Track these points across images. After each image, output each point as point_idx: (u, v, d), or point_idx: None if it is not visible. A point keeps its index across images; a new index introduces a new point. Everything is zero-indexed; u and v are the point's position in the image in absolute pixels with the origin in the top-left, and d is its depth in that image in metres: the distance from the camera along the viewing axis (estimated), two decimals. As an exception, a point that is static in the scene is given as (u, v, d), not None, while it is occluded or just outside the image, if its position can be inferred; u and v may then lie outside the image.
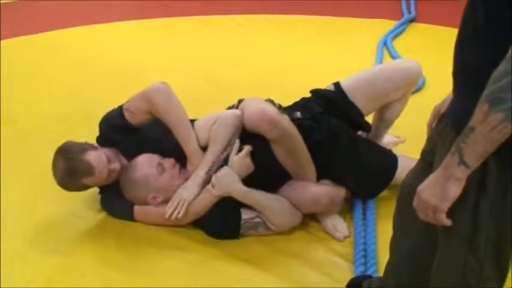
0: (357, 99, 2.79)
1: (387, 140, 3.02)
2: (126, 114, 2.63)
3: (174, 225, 2.59)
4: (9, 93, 3.87)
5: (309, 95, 2.88)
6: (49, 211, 2.77)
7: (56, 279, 2.39)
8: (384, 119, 2.92)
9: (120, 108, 2.66)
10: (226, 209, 2.54)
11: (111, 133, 2.67)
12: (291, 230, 2.60)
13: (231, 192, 2.50)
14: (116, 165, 2.58)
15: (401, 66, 2.90)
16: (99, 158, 2.54)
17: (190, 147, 2.57)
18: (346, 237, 2.57)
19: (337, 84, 2.84)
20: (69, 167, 2.53)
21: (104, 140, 2.70)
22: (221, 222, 2.55)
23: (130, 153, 2.64)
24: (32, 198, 2.87)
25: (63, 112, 3.67)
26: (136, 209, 2.64)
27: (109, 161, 2.56)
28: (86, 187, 2.63)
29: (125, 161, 2.63)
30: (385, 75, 2.83)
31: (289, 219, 2.58)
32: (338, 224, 2.62)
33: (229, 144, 2.54)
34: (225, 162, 2.54)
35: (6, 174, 2.99)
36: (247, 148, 2.51)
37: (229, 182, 2.49)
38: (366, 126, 2.88)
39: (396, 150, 2.92)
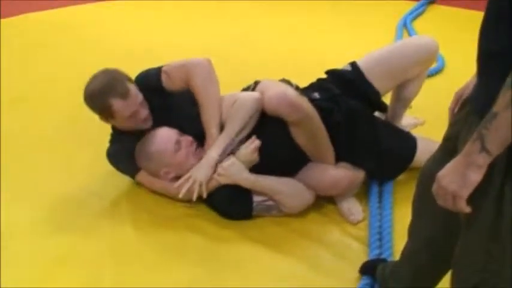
0: (374, 77, 2.76)
1: (406, 121, 3.00)
2: (163, 76, 2.62)
3: (173, 198, 2.61)
4: (21, 71, 3.89)
5: (324, 75, 2.85)
6: (64, 190, 2.77)
7: (69, 258, 2.39)
8: (401, 98, 2.89)
9: (159, 69, 2.65)
10: (237, 192, 2.53)
11: (143, 90, 2.64)
12: (306, 212, 2.59)
13: (238, 181, 2.50)
14: (144, 111, 2.59)
15: (417, 43, 2.84)
16: (136, 93, 2.56)
17: (212, 130, 2.55)
18: (359, 221, 2.56)
19: (353, 64, 2.81)
20: (108, 83, 2.52)
21: None
22: (232, 203, 2.55)
23: (155, 116, 2.64)
24: (46, 176, 2.88)
25: (74, 90, 3.65)
26: (142, 174, 2.66)
27: (141, 104, 2.57)
28: (105, 110, 2.56)
29: (150, 121, 2.63)
30: (402, 52, 2.79)
31: (300, 201, 2.57)
32: (353, 207, 2.60)
33: (245, 127, 2.53)
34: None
35: (17, 151, 3.00)
36: (256, 143, 2.49)
37: (236, 172, 2.49)
38: (383, 106, 2.85)
39: (415, 132, 2.89)
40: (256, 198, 2.54)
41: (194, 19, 4.91)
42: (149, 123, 2.64)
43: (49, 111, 3.40)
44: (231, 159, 2.49)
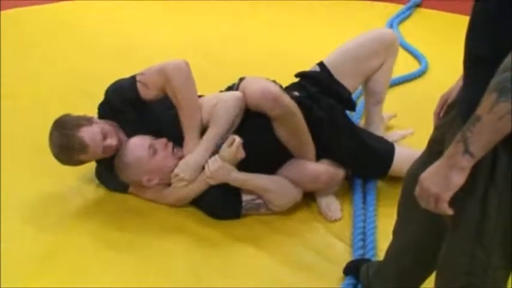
0: (342, 75, 2.81)
1: (395, 136, 3.01)
2: (139, 86, 2.56)
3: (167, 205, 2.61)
4: (10, 66, 3.86)
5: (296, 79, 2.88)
6: (47, 187, 2.76)
7: (53, 256, 2.38)
8: (372, 92, 2.94)
9: (133, 79, 2.59)
10: (227, 192, 2.53)
11: (118, 103, 2.61)
12: (291, 210, 2.60)
13: (228, 182, 2.50)
14: (111, 141, 2.53)
15: (375, 33, 2.94)
16: (93, 136, 2.49)
17: (191, 133, 2.53)
18: (337, 219, 2.57)
19: (321, 64, 2.86)
20: (63, 144, 2.49)
21: (106, 108, 2.66)
22: (222, 204, 2.55)
23: (131, 127, 2.60)
24: (30, 173, 2.86)
25: (63, 86, 3.67)
26: (132, 189, 2.66)
27: (105, 136, 2.52)
28: (81, 162, 2.60)
29: (123, 136, 2.59)
30: (362, 42, 2.87)
31: (289, 199, 2.58)
32: (332, 205, 2.62)
33: (232, 126, 2.52)
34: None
35: (5, 149, 2.98)
36: (238, 141, 2.47)
37: (225, 174, 2.48)
38: (352, 104, 2.88)
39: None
40: (246, 197, 2.55)
41: (185, 17, 4.91)
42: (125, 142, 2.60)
43: (36, 107, 3.37)
44: (218, 162, 2.47)
